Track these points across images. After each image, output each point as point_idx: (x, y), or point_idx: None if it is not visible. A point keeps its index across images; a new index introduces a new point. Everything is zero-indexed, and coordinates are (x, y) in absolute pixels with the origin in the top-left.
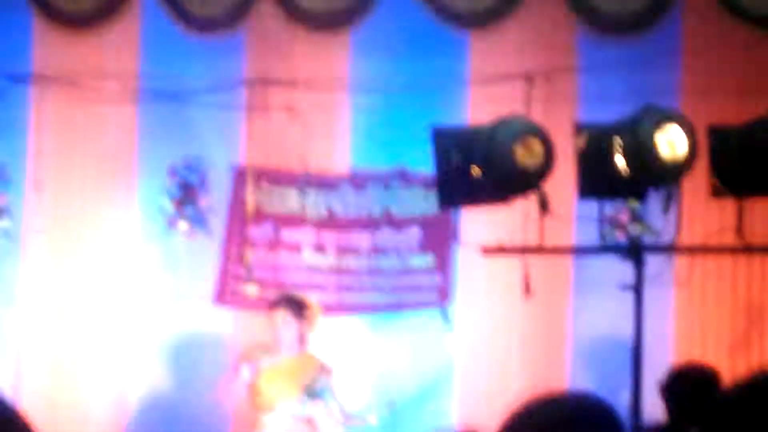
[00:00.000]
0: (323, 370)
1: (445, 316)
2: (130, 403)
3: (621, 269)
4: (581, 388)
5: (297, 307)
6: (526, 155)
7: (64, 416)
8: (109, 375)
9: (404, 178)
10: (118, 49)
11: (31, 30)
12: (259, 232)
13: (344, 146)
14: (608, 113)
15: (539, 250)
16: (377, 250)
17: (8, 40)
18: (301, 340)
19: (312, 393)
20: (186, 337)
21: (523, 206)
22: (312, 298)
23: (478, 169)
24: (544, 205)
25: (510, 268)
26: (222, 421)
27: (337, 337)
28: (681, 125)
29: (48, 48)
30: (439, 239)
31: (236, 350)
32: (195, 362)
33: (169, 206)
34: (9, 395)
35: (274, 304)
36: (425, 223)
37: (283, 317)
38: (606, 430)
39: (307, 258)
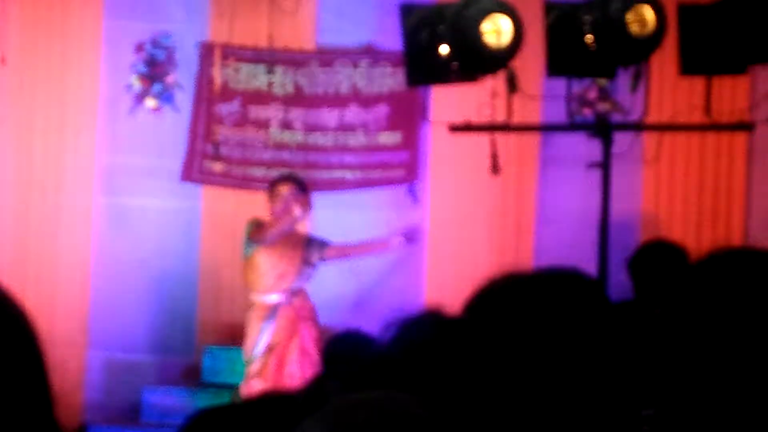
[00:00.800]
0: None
1: (413, 193)
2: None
3: (589, 147)
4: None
5: (301, 183)
6: (494, 33)
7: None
8: (76, 244)
9: (372, 55)
10: None
11: None
12: (226, 108)
13: (312, 23)
14: None
15: (507, 127)
16: (345, 128)
17: None
18: (305, 214)
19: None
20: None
21: (492, 84)
22: None
23: (447, 47)
24: (512, 83)
25: (478, 145)
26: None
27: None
28: (650, 3)
29: None
30: (407, 116)
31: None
32: (164, 235)
33: (137, 83)
34: None
35: (278, 181)
36: (393, 101)
37: (292, 190)
38: (582, 299)
39: (274, 135)
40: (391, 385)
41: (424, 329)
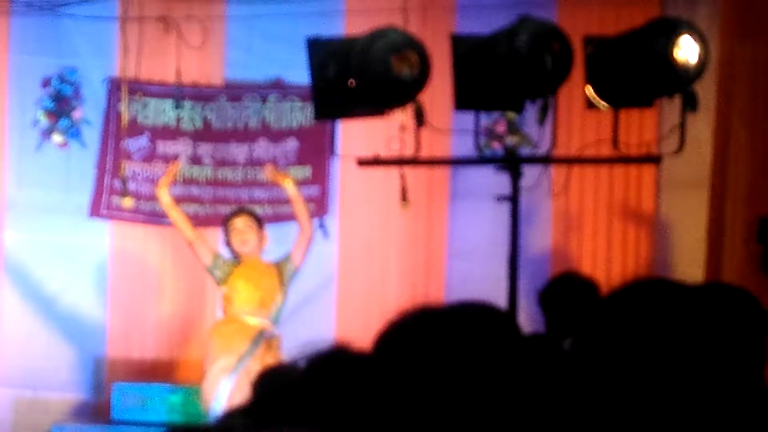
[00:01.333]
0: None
1: (323, 227)
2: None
3: (498, 180)
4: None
5: (255, 215)
6: (403, 67)
7: None
8: None
9: (280, 89)
10: None
11: None
12: (134, 144)
13: (220, 58)
14: (485, 25)
15: (415, 161)
16: (254, 162)
17: None
18: (260, 247)
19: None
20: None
21: (400, 118)
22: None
23: (354, 81)
24: (420, 117)
25: (388, 179)
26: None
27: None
28: (557, 36)
29: None
30: (316, 151)
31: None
32: (72, 271)
33: (43, 118)
34: None
35: (232, 215)
36: (302, 135)
37: (246, 222)
38: (494, 332)
39: (183, 170)
40: (300, 421)
41: (332, 366)
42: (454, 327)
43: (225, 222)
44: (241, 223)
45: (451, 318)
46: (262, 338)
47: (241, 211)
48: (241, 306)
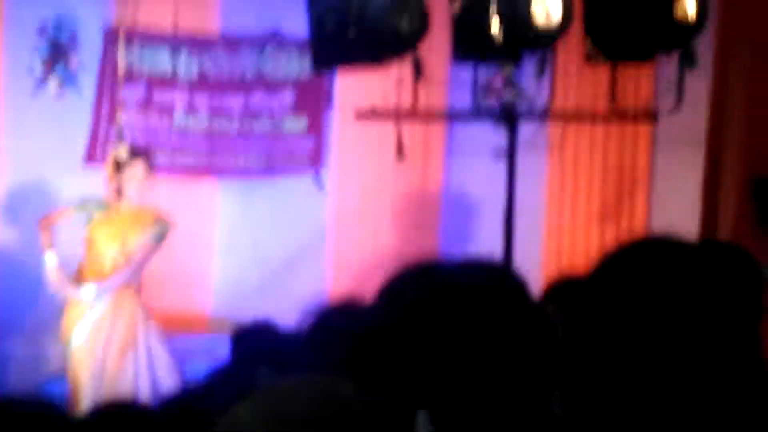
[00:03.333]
0: (159, 219)
1: (318, 180)
2: None
3: (494, 134)
4: (452, 253)
5: (149, 160)
6: (401, 18)
7: None
8: None
9: (278, 40)
10: None
11: None
12: (130, 92)
13: (217, 8)
14: None
15: (412, 114)
16: (250, 113)
17: None
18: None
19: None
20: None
21: (398, 70)
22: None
23: (353, 31)
24: (417, 69)
25: (384, 132)
26: None
27: (207, 199)
28: None
29: None
30: (312, 102)
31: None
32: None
33: (39, 66)
34: None
35: (132, 154)
36: (299, 86)
37: (140, 169)
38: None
39: (178, 120)
40: (313, 370)
41: (342, 318)
42: (462, 280)
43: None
44: (135, 168)
45: (459, 271)
46: None
47: (140, 153)
48: None
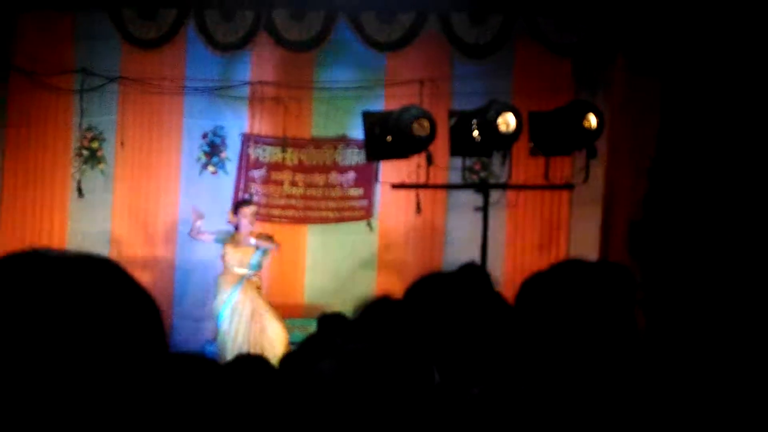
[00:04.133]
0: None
1: (369, 225)
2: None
3: (475, 198)
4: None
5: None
6: (420, 129)
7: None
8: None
9: (346, 141)
10: (171, 62)
11: (119, 48)
12: (257, 173)
13: (309, 121)
14: (470, 104)
15: (426, 185)
16: (329, 185)
17: (104, 55)
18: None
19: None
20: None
21: (417, 159)
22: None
23: (390, 137)
24: (429, 159)
25: (409, 197)
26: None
27: (302, 237)
28: (513, 112)
29: (130, 59)
30: (366, 179)
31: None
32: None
33: (203, 157)
34: None
35: (248, 203)
36: (359, 170)
37: (253, 211)
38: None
39: (286, 190)
40: (365, 340)
41: (379, 308)
42: (453, 281)
43: (242, 204)
44: (250, 211)
45: (452, 276)
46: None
47: (251, 202)
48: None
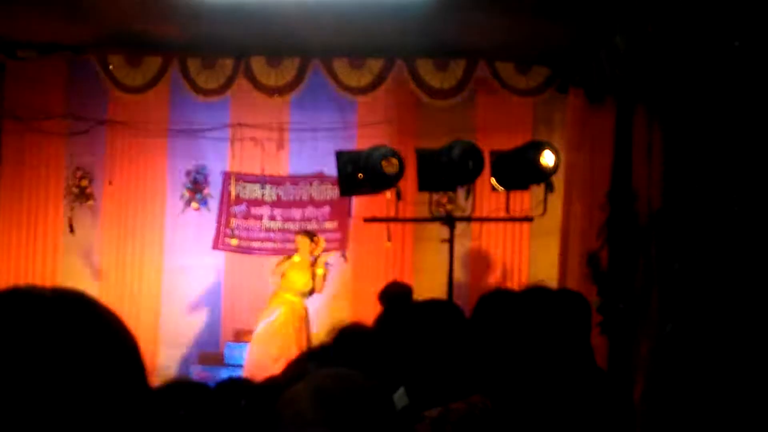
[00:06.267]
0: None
1: (343, 256)
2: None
3: (442, 230)
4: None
5: (312, 235)
6: (389, 166)
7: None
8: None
9: (321, 178)
10: (156, 106)
11: (107, 93)
12: (238, 209)
13: (286, 160)
14: (436, 143)
15: (396, 219)
16: (305, 219)
17: (92, 99)
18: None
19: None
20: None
21: (388, 194)
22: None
23: (362, 174)
24: (399, 195)
25: (379, 229)
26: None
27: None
28: (476, 150)
29: (117, 103)
30: (340, 213)
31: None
32: (203, 282)
33: (186, 194)
34: None
35: (304, 233)
36: (333, 204)
37: (302, 239)
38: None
39: (265, 224)
40: (338, 364)
41: (352, 335)
42: (426, 312)
43: (296, 233)
44: (303, 240)
45: (423, 307)
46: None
47: (305, 232)
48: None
